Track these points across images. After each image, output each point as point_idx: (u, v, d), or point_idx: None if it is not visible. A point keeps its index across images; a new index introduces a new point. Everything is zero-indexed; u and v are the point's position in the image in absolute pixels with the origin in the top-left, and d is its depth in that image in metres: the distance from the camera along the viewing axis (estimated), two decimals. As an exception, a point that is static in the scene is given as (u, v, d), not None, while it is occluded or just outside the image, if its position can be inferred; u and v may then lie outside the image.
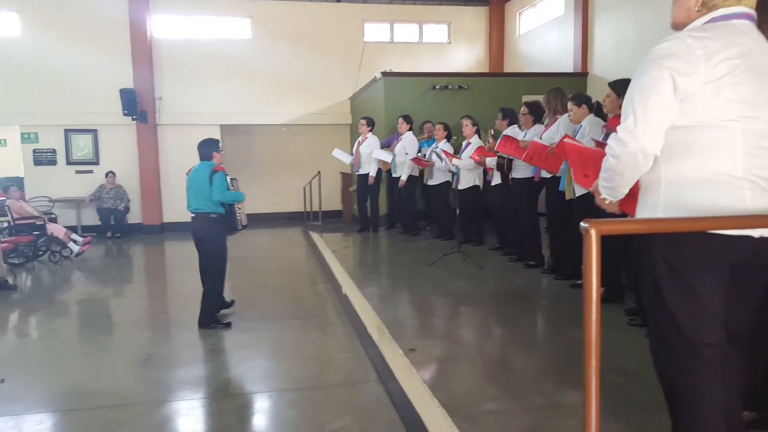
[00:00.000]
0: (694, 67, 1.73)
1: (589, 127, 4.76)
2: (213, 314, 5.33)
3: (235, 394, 3.88)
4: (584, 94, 5.13)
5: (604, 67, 9.46)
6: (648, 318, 2.08)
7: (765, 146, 1.77)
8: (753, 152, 1.76)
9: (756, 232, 1.75)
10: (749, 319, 1.95)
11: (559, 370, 3.32)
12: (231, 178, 5.44)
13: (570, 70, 10.16)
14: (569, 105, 4.96)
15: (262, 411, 3.66)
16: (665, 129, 1.79)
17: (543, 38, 11.70)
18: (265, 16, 12.75)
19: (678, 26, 1.95)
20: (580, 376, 3.05)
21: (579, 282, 5.05)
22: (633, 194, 2.01)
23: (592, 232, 1.48)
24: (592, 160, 2.21)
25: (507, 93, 9.35)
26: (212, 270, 5.31)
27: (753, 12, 1.86)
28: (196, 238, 5.33)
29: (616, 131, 1.89)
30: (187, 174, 5.37)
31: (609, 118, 4.57)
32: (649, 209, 1.90)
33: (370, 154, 8.58)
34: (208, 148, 5.28)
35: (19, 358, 4.83)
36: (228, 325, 5.30)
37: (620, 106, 4.07)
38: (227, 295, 5.75)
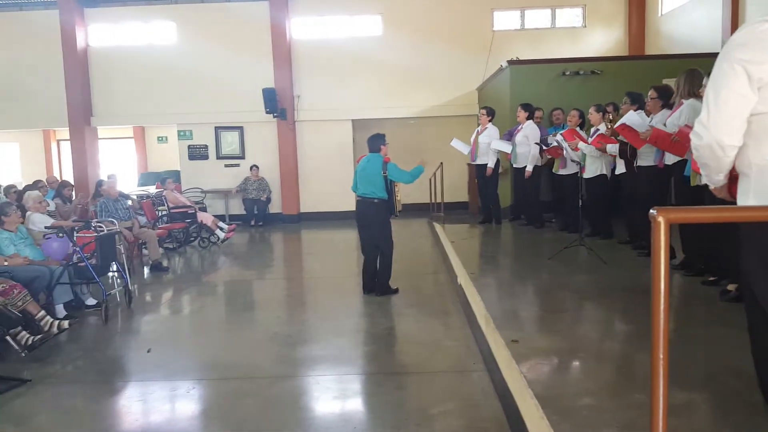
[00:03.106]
0: (767, 55, 1.66)
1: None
2: (388, 283, 6.10)
3: (348, 374, 4.11)
4: None
5: (759, 44, 8.48)
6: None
7: None
8: None
9: None
10: None
11: (670, 370, 3.12)
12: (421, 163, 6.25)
13: (718, 50, 9.22)
14: (705, 81, 4.52)
15: (369, 391, 3.85)
16: (741, 120, 1.76)
17: (688, 17, 10.72)
18: (396, 11, 13.03)
19: None
20: (694, 376, 2.86)
21: (711, 279, 4.67)
22: (736, 179, 1.93)
23: (660, 220, 1.43)
24: None
25: (644, 77, 8.70)
26: (383, 246, 6.05)
27: None
28: (361, 218, 6.14)
29: None
30: (357, 162, 6.23)
31: None
32: (743, 196, 1.86)
33: (489, 144, 8.47)
34: (376, 141, 6.14)
35: (167, 332, 5.49)
36: (396, 291, 6.09)
37: None
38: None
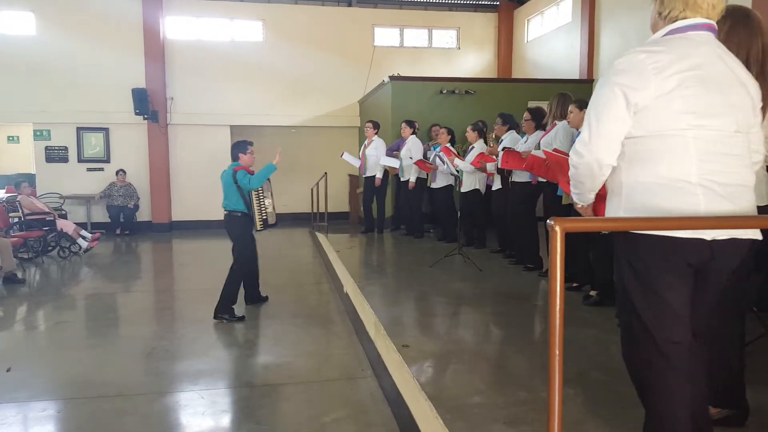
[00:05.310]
0: (645, 82, 1.82)
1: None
2: (227, 306, 5.53)
3: (234, 386, 4.00)
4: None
5: (609, 74, 9.51)
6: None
7: (716, 152, 1.83)
8: (707, 158, 1.82)
9: (708, 235, 1.81)
10: (712, 319, 2.02)
11: (547, 368, 3.40)
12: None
13: (576, 76, 10.23)
14: (570, 107, 4.97)
15: (257, 403, 3.76)
16: (619, 141, 1.90)
17: (550, 45, 11.78)
18: (277, 19, 12.94)
19: (653, 31, 2.02)
20: (566, 373, 3.14)
21: (574, 285, 5.13)
22: (603, 199, 2.11)
23: (557, 229, 1.56)
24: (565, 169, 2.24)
25: (513, 99, 9.44)
26: (235, 263, 5.61)
27: (712, 22, 1.92)
28: (228, 234, 5.69)
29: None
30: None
31: None
32: (612, 213, 2.01)
33: (376, 157, 8.69)
34: (236, 149, 5.68)
35: (26, 349, 4.98)
36: (241, 319, 5.53)
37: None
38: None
